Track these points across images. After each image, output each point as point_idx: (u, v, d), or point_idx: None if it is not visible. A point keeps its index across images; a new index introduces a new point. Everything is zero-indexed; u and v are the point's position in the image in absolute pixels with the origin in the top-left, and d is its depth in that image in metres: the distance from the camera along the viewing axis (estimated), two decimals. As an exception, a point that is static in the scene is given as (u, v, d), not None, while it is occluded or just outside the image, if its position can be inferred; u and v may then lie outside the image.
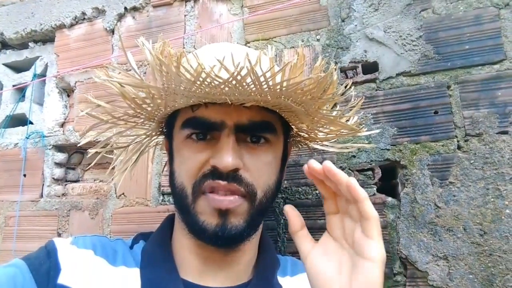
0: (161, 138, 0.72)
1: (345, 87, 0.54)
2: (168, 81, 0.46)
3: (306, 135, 0.67)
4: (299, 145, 0.73)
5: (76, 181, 1.08)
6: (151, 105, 0.54)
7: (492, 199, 0.69)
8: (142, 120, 0.60)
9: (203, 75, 0.42)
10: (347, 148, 0.71)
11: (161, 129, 0.66)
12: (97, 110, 0.56)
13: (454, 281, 0.69)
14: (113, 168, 0.72)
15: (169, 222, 0.63)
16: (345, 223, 0.46)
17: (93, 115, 0.56)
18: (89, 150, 0.68)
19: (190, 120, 0.53)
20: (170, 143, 0.59)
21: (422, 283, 0.71)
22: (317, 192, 0.80)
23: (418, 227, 0.73)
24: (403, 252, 0.72)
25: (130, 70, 0.50)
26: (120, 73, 0.50)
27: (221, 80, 0.43)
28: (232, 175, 0.51)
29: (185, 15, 0.99)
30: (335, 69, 0.46)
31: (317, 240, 0.48)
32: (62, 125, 1.09)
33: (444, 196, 0.72)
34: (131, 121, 0.60)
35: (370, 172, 0.78)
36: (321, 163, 0.45)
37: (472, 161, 0.72)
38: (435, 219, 0.72)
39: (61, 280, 0.50)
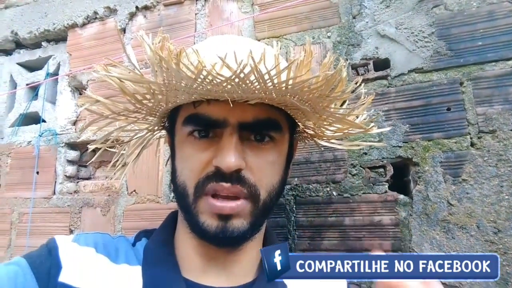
0: (163, 132, 0.70)
1: (356, 84, 0.52)
2: (168, 77, 0.45)
3: (313, 132, 0.65)
4: (306, 141, 0.71)
5: (88, 178, 1.10)
6: (152, 100, 0.52)
7: (507, 197, 0.68)
8: (143, 115, 0.59)
9: (204, 72, 0.41)
10: (357, 146, 0.70)
11: (163, 124, 0.65)
12: (98, 106, 0.55)
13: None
14: (114, 165, 0.71)
15: (172, 220, 0.62)
16: None
17: (92, 109, 0.55)
18: (89, 146, 0.67)
19: (192, 116, 0.51)
20: (172, 138, 0.57)
21: (435, 281, 0.70)
22: (328, 189, 0.79)
23: (430, 225, 0.72)
24: (415, 250, 0.72)
25: (141, 68, 0.50)
26: (122, 69, 0.49)
27: (223, 78, 0.41)
28: (236, 176, 0.49)
29: (195, 14, 1.00)
30: (345, 66, 0.45)
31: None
32: (74, 123, 1.10)
33: (457, 193, 0.71)
34: (131, 117, 0.59)
35: (381, 170, 0.78)
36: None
37: (485, 158, 0.71)
38: (447, 216, 0.71)
39: (62, 278, 0.49)
